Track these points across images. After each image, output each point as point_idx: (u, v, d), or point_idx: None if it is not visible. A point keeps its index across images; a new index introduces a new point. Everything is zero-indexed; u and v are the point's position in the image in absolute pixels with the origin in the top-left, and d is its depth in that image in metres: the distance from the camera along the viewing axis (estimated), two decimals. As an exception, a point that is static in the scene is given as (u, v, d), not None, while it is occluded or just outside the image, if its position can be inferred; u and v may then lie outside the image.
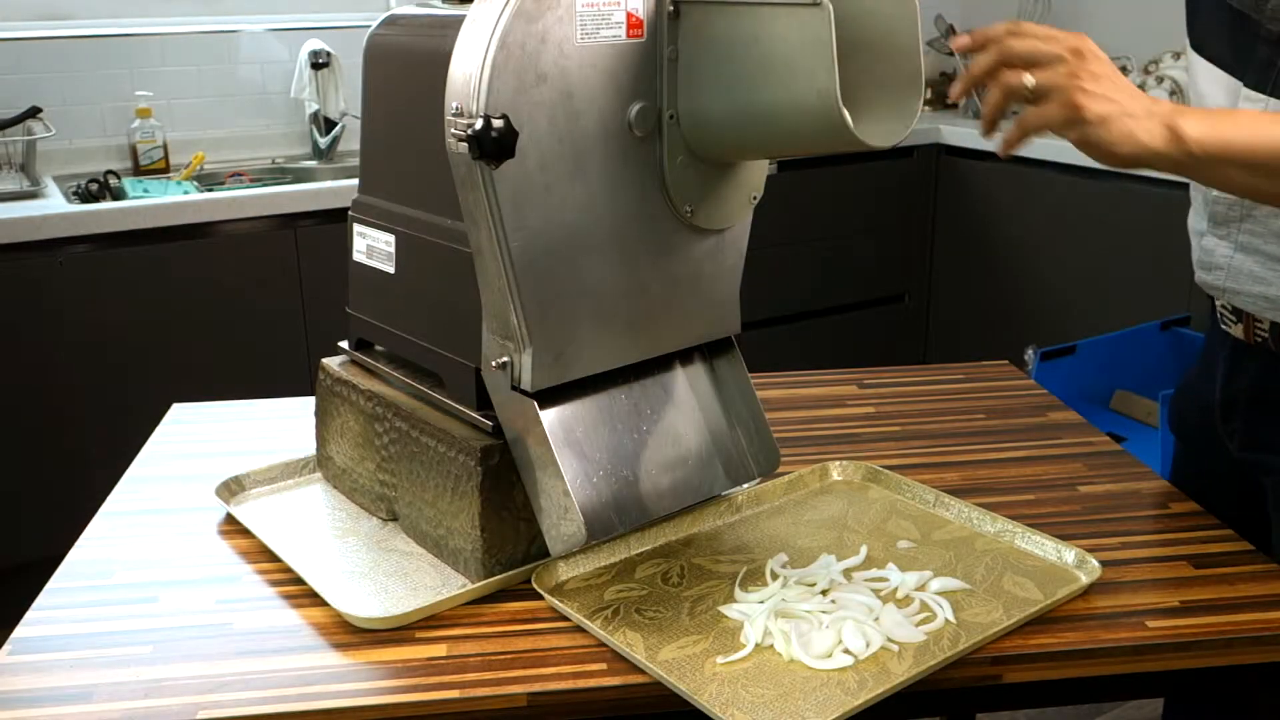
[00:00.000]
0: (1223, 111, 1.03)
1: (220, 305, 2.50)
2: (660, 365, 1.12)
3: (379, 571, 1.09)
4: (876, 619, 0.98)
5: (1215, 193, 1.16)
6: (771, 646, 0.96)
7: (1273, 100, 1.08)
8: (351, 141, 3.02)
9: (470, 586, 1.03)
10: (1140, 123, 0.94)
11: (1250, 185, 0.99)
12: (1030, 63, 0.95)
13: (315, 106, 3.02)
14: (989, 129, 0.99)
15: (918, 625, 0.98)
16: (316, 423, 1.27)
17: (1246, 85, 1.11)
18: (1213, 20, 1.14)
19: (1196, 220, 1.22)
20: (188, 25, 2.95)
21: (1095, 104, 0.93)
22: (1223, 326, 1.20)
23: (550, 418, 1.02)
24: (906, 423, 1.43)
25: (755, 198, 1.11)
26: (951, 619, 0.99)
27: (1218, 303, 1.21)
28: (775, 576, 1.05)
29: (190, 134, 2.96)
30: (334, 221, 2.53)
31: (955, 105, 3.59)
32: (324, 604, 1.01)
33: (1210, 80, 1.16)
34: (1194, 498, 1.23)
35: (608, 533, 1.03)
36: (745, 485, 1.19)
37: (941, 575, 1.05)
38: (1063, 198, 2.99)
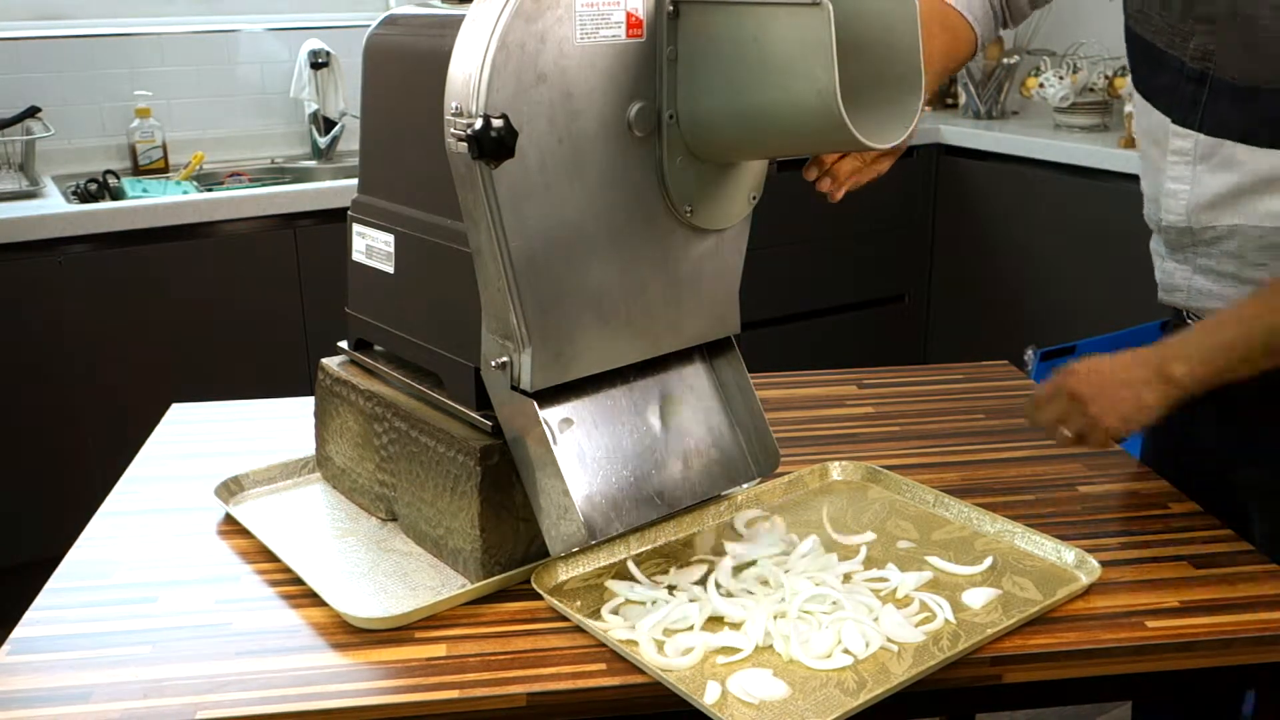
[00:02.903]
0: (1198, 331, 1.13)
1: (220, 305, 2.50)
2: (660, 365, 1.12)
3: (378, 571, 1.09)
4: (876, 619, 0.98)
5: (1165, 222, 1.19)
6: (771, 647, 0.95)
7: (1201, 135, 1.14)
8: (351, 141, 3.02)
9: (470, 586, 1.03)
10: (1145, 397, 1.10)
11: (1254, 370, 1.10)
12: (1058, 422, 1.14)
13: (315, 106, 3.02)
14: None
15: (917, 625, 0.98)
16: (316, 423, 1.27)
17: (1174, 121, 1.16)
18: (1144, 57, 1.18)
19: (1156, 244, 1.25)
20: (187, 25, 2.95)
21: (1112, 420, 1.11)
22: None
23: (550, 418, 1.02)
24: (906, 423, 1.43)
25: (755, 198, 1.11)
26: (951, 619, 0.99)
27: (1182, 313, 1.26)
28: (774, 576, 1.05)
29: (189, 134, 2.96)
30: (333, 221, 2.53)
31: (955, 105, 3.59)
32: (323, 604, 1.01)
33: (1145, 113, 1.21)
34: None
35: (607, 533, 1.03)
36: (745, 485, 1.19)
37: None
38: (1063, 198, 2.99)
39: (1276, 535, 1.18)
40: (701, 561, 1.08)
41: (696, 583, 1.04)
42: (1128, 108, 2.88)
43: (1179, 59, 1.14)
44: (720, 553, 1.10)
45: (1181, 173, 1.17)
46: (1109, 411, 1.11)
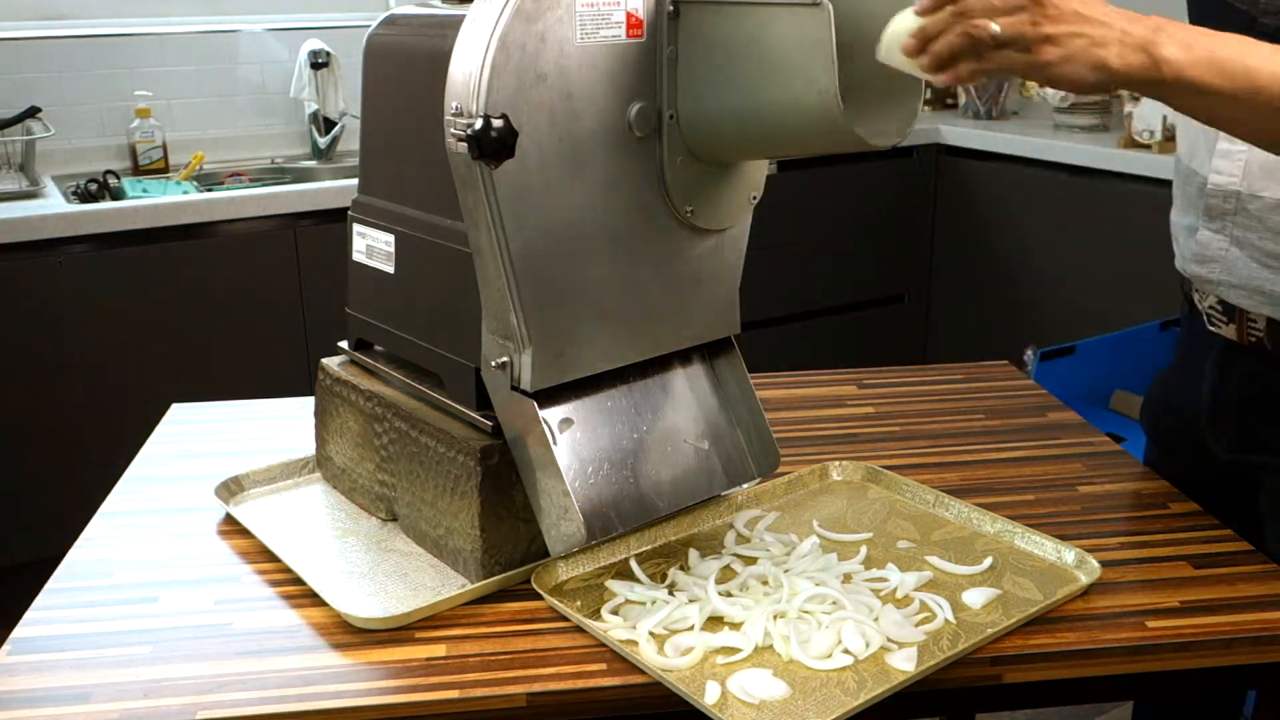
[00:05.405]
0: (1205, 34, 0.93)
1: (220, 305, 2.50)
2: (660, 365, 1.12)
3: (379, 571, 1.09)
4: (876, 619, 0.98)
5: (1210, 185, 1.15)
6: (771, 647, 0.96)
7: None
8: (351, 141, 3.02)
9: (470, 586, 1.03)
10: (1111, 49, 0.90)
11: (1226, 118, 0.95)
12: (991, 12, 0.90)
13: (315, 106, 3.02)
14: (936, 67, 0.92)
15: (917, 625, 0.98)
16: (316, 423, 1.27)
17: None
18: (1212, 15, 1.14)
19: (1183, 215, 1.22)
20: (187, 25, 2.95)
21: (1055, 48, 0.90)
22: (1210, 328, 1.20)
23: (550, 418, 1.02)
24: (906, 423, 1.43)
25: (755, 198, 1.11)
26: (951, 619, 0.99)
27: (1205, 304, 1.21)
28: (774, 575, 1.05)
29: (190, 134, 2.96)
30: (334, 221, 2.53)
31: (955, 105, 3.59)
32: (323, 604, 1.01)
33: None
34: None
35: (607, 533, 1.03)
36: (745, 485, 1.19)
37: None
38: (1063, 198, 2.99)
39: None
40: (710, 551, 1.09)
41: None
42: (1128, 108, 2.88)
43: (1248, 14, 1.07)
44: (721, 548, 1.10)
45: None
46: (1060, 28, 0.89)
